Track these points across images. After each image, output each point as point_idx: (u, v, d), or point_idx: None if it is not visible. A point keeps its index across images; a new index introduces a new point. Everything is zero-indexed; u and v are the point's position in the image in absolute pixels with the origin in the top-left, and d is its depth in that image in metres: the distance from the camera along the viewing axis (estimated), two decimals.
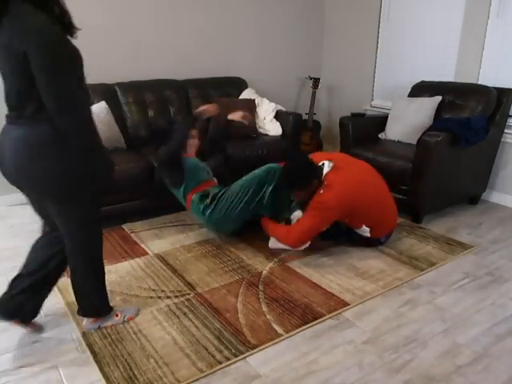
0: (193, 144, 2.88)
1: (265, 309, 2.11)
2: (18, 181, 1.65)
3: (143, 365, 1.74)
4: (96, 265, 1.86)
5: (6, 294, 1.83)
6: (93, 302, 1.90)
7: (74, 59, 1.51)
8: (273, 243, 2.69)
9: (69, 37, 1.51)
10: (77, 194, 1.65)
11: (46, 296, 1.91)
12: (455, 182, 3.15)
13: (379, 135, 3.63)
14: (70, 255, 1.80)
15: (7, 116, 1.60)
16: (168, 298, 2.20)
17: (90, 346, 1.84)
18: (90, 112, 1.58)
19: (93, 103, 1.61)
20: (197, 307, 2.12)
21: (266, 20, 4.28)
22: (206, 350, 1.83)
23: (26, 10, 1.42)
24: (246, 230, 2.79)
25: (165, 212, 3.20)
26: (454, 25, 3.55)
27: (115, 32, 3.48)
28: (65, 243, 1.79)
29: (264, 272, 2.45)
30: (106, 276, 1.93)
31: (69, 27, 1.51)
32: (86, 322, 1.95)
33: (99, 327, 1.95)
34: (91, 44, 3.37)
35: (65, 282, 2.32)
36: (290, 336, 1.92)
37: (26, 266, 1.85)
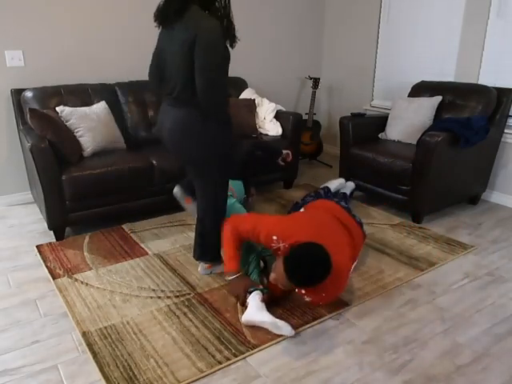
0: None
1: None
2: (172, 152, 2.15)
3: (143, 365, 1.75)
4: (221, 220, 2.23)
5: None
6: (215, 249, 2.30)
7: (226, 56, 1.91)
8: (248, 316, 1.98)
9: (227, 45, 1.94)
10: (213, 160, 2.08)
11: None
12: (455, 182, 3.15)
13: (379, 135, 3.63)
14: (201, 209, 2.23)
15: (167, 99, 2.07)
16: (168, 297, 2.20)
17: (89, 346, 1.84)
18: (227, 96, 2.02)
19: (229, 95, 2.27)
20: (197, 307, 2.12)
21: (266, 20, 4.29)
22: (206, 350, 1.84)
23: (203, 12, 1.86)
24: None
25: (165, 212, 3.20)
26: (453, 25, 3.56)
27: (115, 32, 3.48)
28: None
29: None
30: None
31: (231, 38, 1.94)
32: (201, 267, 2.38)
33: (211, 272, 2.38)
34: (91, 44, 3.40)
35: (65, 281, 2.32)
36: (290, 336, 1.92)
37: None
